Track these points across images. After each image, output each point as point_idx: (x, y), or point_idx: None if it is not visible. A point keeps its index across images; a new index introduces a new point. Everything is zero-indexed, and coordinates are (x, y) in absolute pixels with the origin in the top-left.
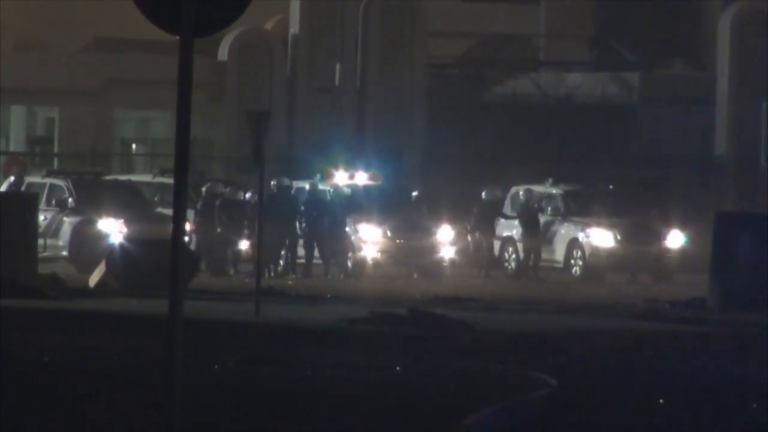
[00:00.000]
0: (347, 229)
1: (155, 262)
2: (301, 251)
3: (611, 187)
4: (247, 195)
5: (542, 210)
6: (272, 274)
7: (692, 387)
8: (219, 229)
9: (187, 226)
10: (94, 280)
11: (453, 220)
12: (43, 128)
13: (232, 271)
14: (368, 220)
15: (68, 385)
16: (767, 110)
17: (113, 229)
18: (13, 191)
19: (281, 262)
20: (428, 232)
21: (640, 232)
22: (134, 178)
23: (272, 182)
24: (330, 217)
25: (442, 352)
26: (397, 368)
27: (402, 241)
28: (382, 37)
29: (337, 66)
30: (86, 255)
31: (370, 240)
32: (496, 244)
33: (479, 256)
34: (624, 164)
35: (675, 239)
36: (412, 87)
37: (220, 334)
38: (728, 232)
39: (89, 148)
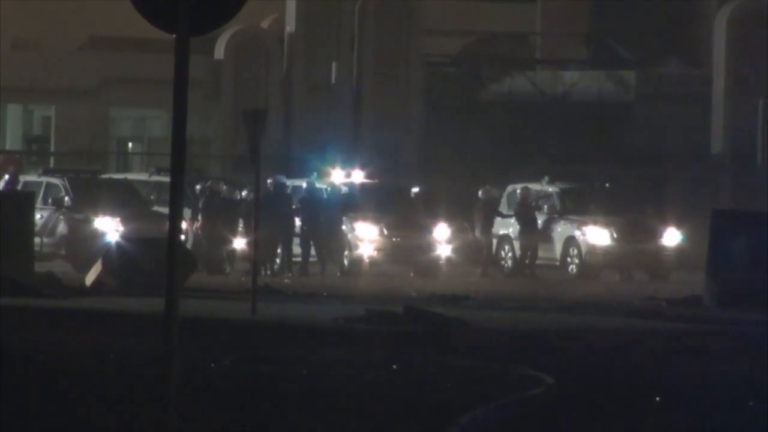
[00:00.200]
0: (344, 227)
1: (152, 261)
2: (297, 249)
3: (607, 185)
4: (244, 193)
5: (539, 208)
6: (268, 272)
7: (689, 385)
8: (211, 227)
9: (184, 225)
10: (90, 278)
11: (449, 218)
12: (40, 127)
13: (228, 269)
14: (364, 218)
15: (65, 383)
16: (763, 108)
17: (110, 228)
18: (10, 190)
19: (277, 260)
20: (425, 230)
21: (637, 230)
22: (131, 176)
23: (268, 180)
24: (326, 216)
25: (438, 351)
26: (394, 366)
27: (398, 239)
28: (379, 35)
29: (333, 64)
30: (83, 253)
31: (366, 238)
32: (493, 243)
33: (480, 255)
34: (620, 162)
35: (671, 237)
36: (408, 85)
37: (217, 332)
38: (724, 230)
39: (86, 147)
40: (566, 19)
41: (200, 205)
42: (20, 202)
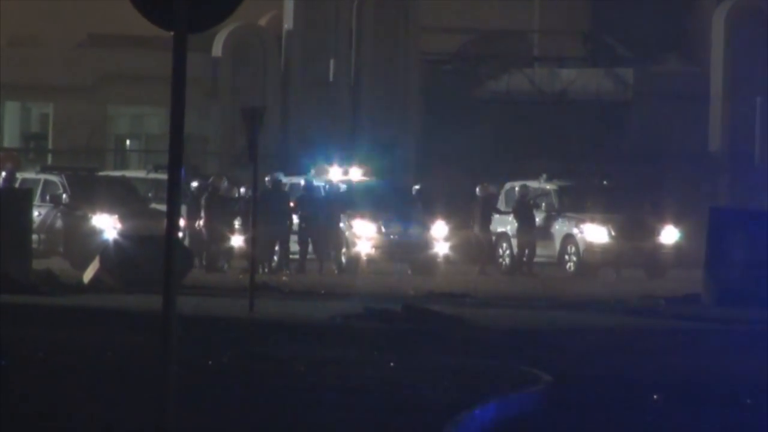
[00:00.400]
0: (341, 224)
1: (149, 258)
2: (294, 247)
3: (605, 182)
4: (242, 190)
5: (537, 206)
6: (266, 270)
7: (686, 382)
8: (214, 224)
9: (181, 222)
10: (88, 276)
11: (450, 216)
12: (38, 124)
13: (226, 267)
14: (362, 216)
15: (62, 380)
16: (761, 106)
17: (107, 225)
18: (8, 187)
19: (275, 258)
20: (422, 228)
21: (635, 228)
22: (128, 173)
23: (266, 178)
24: (324, 213)
25: (435, 348)
26: (391, 364)
27: (396, 236)
28: (377, 32)
29: (331, 62)
30: (80, 251)
31: (364, 236)
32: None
33: (481, 252)
34: (618, 160)
35: (669, 235)
36: (406, 82)
37: (214, 330)
38: (722, 228)
39: (83, 144)
40: (564, 16)
41: (202, 201)
42: (18, 199)
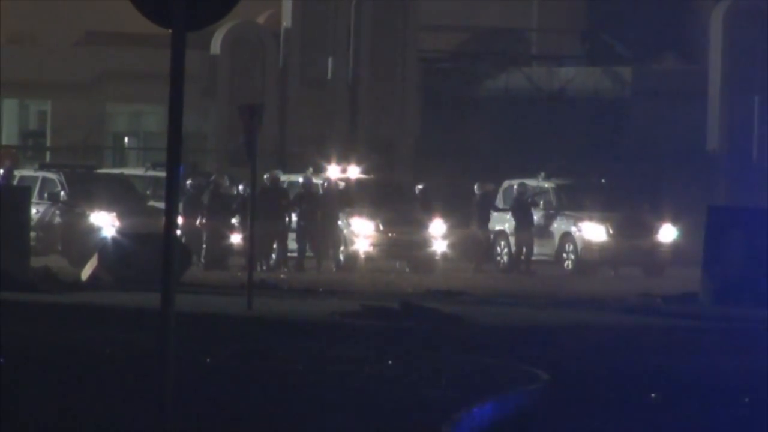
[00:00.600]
0: (339, 222)
1: (147, 256)
2: (292, 245)
3: (604, 181)
4: (240, 188)
5: (535, 204)
6: (264, 267)
7: (684, 381)
8: (206, 222)
9: (179, 220)
10: (86, 273)
11: (452, 215)
12: (36, 122)
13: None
14: (360, 214)
15: (60, 378)
16: (759, 104)
17: (105, 223)
18: (6, 184)
19: (273, 255)
20: (421, 226)
21: (633, 226)
22: (126, 171)
23: (265, 176)
24: (322, 211)
25: (433, 346)
26: (389, 362)
27: (394, 234)
28: (375, 30)
29: (330, 59)
30: (78, 248)
31: (362, 233)
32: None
33: (478, 250)
34: (616, 158)
35: (667, 233)
36: (404, 81)
37: (212, 327)
38: (720, 226)
39: (81, 142)
40: (562, 15)
41: (204, 200)
42: (16, 196)
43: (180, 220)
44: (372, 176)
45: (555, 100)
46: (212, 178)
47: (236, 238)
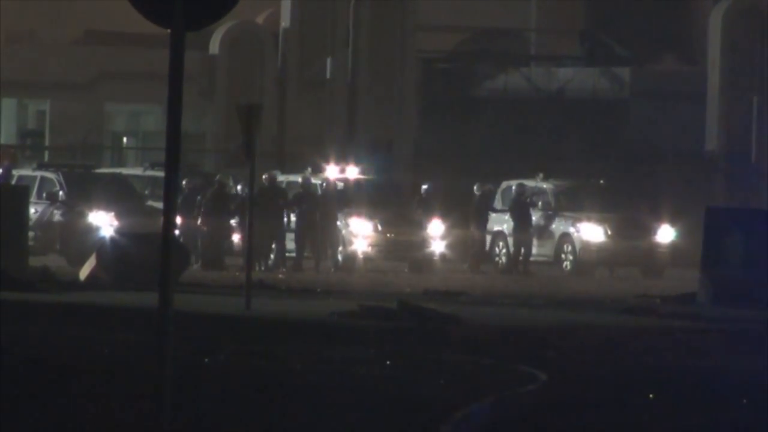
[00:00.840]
0: (338, 223)
1: (146, 256)
2: (291, 245)
3: (602, 181)
4: (238, 188)
5: (533, 204)
6: (262, 267)
7: (682, 382)
8: (208, 222)
9: (178, 220)
10: (84, 273)
11: (444, 214)
12: (34, 121)
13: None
14: (359, 214)
15: (58, 377)
16: (757, 105)
17: (104, 222)
18: (4, 184)
19: (272, 255)
20: (419, 227)
21: (631, 227)
22: (125, 171)
23: (263, 176)
24: (321, 211)
25: (431, 347)
26: (387, 362)
27: (393, 235)
28: (373, 31)
29: (328, 60)
30: (77, 248)
31: (360, 234)
32: (487, 239)
33: (474, 251)
34: (615, 159)
35: (665, 234)
36: (403, 81)
37: (211, 327)
38: (718, 227)
39: (80, 142)
40: (561, 15)
41: (206, 200)
42: (15, 196)
43: (178, 219)
44: (370, 176)
45: (554, 101)
46: (217, 177)
47: (235, 238)
